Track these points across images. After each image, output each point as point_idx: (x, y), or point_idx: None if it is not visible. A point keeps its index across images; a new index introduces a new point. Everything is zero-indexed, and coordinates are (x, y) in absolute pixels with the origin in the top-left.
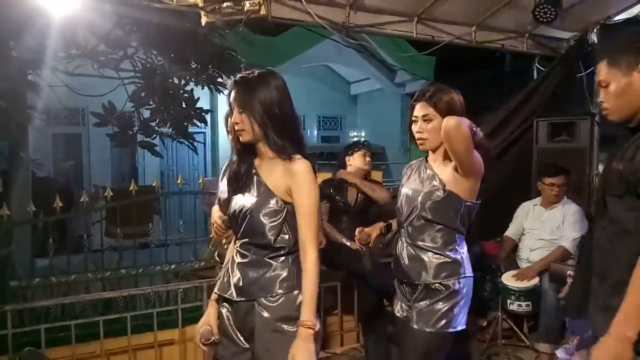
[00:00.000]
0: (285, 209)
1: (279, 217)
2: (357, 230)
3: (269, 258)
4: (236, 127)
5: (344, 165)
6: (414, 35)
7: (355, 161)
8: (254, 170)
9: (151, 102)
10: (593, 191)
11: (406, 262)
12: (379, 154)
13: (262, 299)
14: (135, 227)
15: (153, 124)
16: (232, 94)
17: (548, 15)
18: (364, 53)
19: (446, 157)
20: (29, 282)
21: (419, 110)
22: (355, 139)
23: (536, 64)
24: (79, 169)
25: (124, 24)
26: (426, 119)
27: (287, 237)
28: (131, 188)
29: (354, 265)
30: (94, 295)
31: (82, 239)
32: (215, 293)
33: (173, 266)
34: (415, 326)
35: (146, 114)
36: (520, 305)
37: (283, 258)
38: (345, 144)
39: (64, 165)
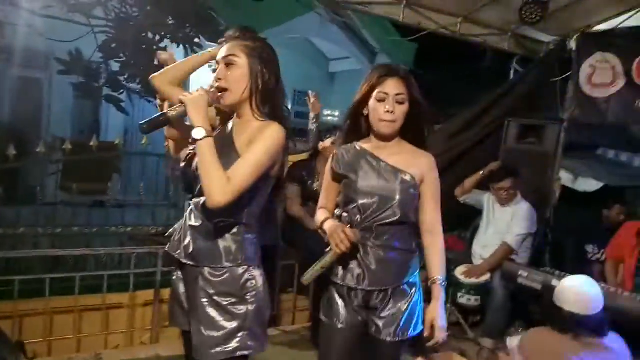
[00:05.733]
0: None
1: None
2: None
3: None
4: (218, 84)
5: (317, 152)
6: (401, 19)
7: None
8: (229, 133)
9: (121, 55)
10: (552, 195)
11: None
12: None
13: (206, 268)
14: (92, 183)
15: (121, 78)
16: (229, 46)
17: (534, 16)
18: (347, 31)
19: (400, 150)
20: None
21: (393, 87)
22: (330, 119)
23: (515, 64)
24: (37, 116)
25: None
26: (400, 100)
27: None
28: (92, 143)
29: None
30: (45, 252)
31: (35, 190)
32: (169, 252)
33: (129, 228)
34: None
35: (115, 66)
36: (469, 300)
37: (235, 229)
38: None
39: (22, 110)
